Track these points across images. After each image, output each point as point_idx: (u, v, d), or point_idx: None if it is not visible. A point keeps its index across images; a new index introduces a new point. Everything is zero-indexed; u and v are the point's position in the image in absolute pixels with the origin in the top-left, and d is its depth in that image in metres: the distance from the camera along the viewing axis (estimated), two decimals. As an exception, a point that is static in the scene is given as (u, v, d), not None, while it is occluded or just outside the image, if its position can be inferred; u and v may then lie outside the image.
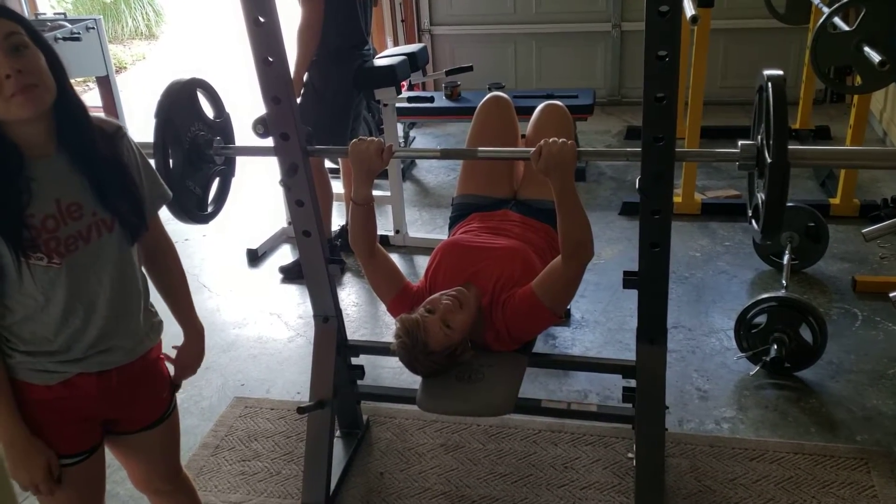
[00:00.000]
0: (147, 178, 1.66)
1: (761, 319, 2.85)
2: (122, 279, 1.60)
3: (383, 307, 2.32)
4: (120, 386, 1.64)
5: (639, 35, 5.56)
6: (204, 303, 3.63)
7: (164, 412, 1.79)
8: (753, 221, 2.09)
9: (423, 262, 3.85)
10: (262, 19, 1.98)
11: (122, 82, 7.20)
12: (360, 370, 2.56)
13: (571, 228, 2.01)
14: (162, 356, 1.80)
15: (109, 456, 1.76)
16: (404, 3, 5.95)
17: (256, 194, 4.68)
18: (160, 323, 1.77)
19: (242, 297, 3.70)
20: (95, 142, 1.54)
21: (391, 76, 3.72)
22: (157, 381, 1.77)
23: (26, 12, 6.28)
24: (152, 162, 1.80)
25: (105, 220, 1.54)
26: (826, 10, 3.45)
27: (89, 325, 1.56)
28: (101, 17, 5.85)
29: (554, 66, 6.01)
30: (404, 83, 4.10)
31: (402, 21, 5.98)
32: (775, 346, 2.78)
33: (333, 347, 2.40)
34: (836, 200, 3.92)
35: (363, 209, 2.17)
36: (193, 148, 2.18)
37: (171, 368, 1.84)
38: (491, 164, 2.59)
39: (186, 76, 2.19)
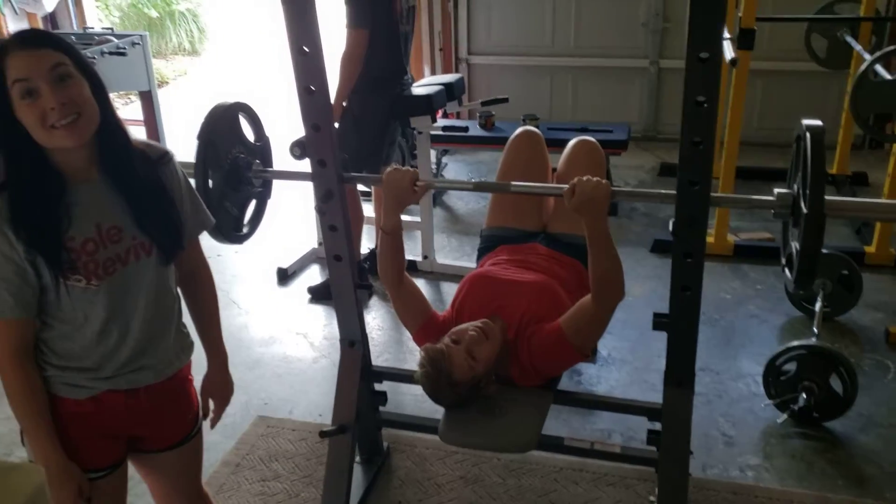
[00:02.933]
0: (190, 204, 1.70)
1: (791, 367, 2.82)
2: (157, 301, 1.63)
3: (407, 333, 2.33)
4: (148, 404, 1.67)
5: (676, 73, 5.64)
6: (233, 319, 3.67)
7: (189, 433, 1.80)
8: (787, 270, 2.07)
9: (449, 288, 3.87)
10: (306, 49, 2.02)
11: (163, 96, 7.32)
12: (382, 396, 2.57)
13: (602, 269, 2.01)
14: (190, 377, 1.82)
15: (131, 469, 1.78)
16: (443, 33, 6.01)
17: (289, 214, 4.73)
18: (191, 344, 1.80)
19: (270, 316, 3.73)
20: (136, 167, 1.57)
21: (427, 105, 3.76)
22: (185, 401, 1.79)
23: (75, 26, 6.45)
24: (192, 182, 1.85)
25: (143, 243, 1.58)
26: (868, 57, 3.45)
27: (122, 346, 1.59)
28: (147, 33, 5.97)
29: (589, 99, 6.03)
30: (440, 111, 4.14)
31: (440, 50, 6.04)
32: (804, 395, 2.74)
33: (358, 373, 2.41)
34: (871, 249, 3.88)
35: (392, 238, 2.19)
36: (233, 170, 2.22)
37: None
38: (521, 196, 2.60)
39: (230, 100, 2.23)
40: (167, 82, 8.64)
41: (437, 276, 4.02)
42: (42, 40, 1.43)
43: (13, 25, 6.18)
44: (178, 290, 1.75)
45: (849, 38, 4.30)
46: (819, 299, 3.19)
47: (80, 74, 1.46)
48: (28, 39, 1.44)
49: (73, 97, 1.43)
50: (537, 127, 4.57)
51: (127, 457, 1.73)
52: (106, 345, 1.57)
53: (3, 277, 1.46)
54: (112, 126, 1.53)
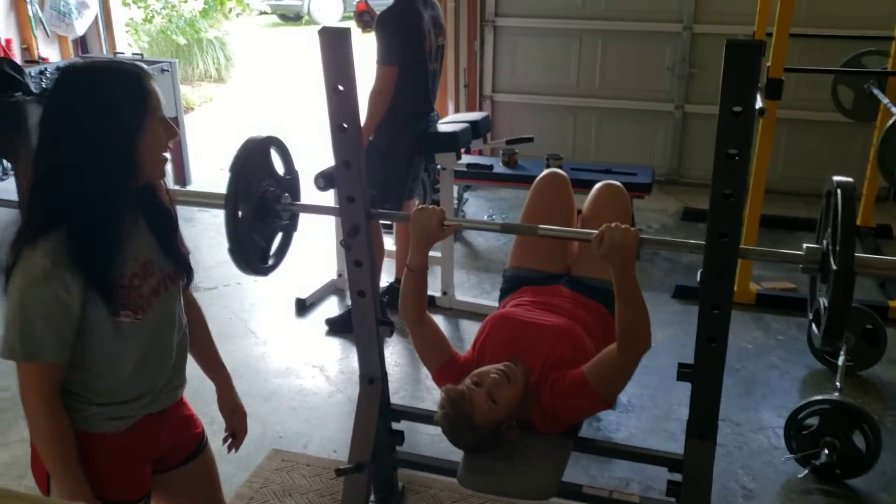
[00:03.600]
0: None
1: (813, 421, 2.78)
2: (181, 327, 1.71)
3: (425, 370, 2.32)
4: (172, 421, 1.74)
5: (701, 117, 5.66)
6: (250, 349, 3.67)
7: (201, 442, 1.86)
8: (814, 325, 2.05)
9: (468, 326, 3.86)
10: (341, 87, 2.04)
11: (188, 122, 7.42)
12: (399, 436, 2.55)
13: (629, 318, 2.00)
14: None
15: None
16: (468, 70, 6.06)
17: (309, 244, 4.74)
18: None
19: (288, 347, 3.73)
20: (160, 197, 1.62)
21: (453, 142, 3.78)
22: (188, 411, 1.84)
23: (105, 51, 6.56)
24: (222, 212, 1.94)
25: (169, 273, 1.63)
26: (895, 110, 3.45)
27: (162, 371, 1.65)
28: (176, 60, 6.06)
29: (613, 140, 6.04)
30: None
31: (465, 87, 6.08)
32: (826, 451, 2.70)
33: (376, 410, 2.40)
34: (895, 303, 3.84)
35: (417, 276, 2.19)
36: (262, 203, 2.22)
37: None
38: (546, 238, 2.59)
39: (262, 134, 2.25)
40: (193, 108, 8.75)
41: (457, 312, 4.01)
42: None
43: (45, 49, 6.30)
44: None
45: (876, 91, 4.30)
46: (842, 353, 3.15)
47: None
48: (153, 70, 1.50)
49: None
50: (560, 167, 4.59)
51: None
52: (147, 373, 1.61)
53: (51, 321, 1.44)
54: None
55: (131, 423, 1.61)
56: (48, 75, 5.04)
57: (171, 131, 1.49)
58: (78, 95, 1.42)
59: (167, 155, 1.50)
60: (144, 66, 1.51)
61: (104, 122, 1.41)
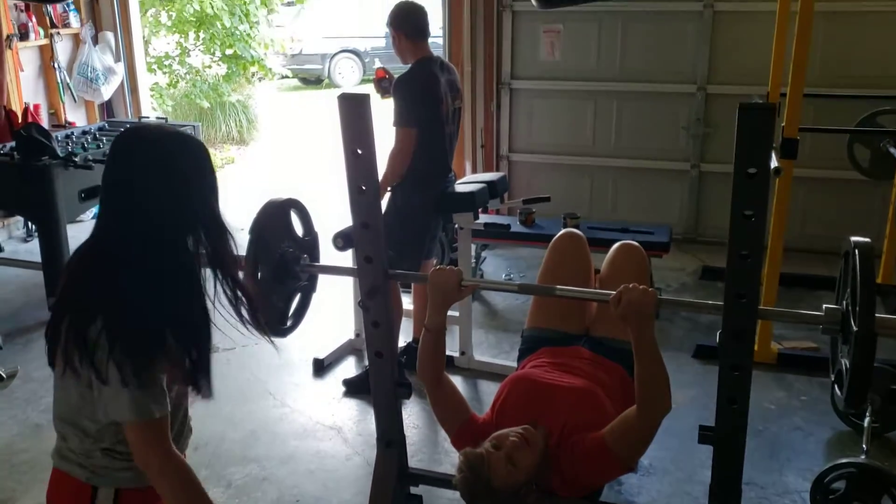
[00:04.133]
0: None
1: (840, 485, 2.72)
2: None
3: (443, 432, 2.30)
4: None
5: (718, 176, 5.68)
6: (268, 411, 3.66)
7: None
8: (837, 387, 2.03)
9: (486, 387, 3.83)
10: (360, 151, 2.08)
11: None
12: (417, 500, 2.52)
13: (648, 380, 1.99)
14: None
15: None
16: (485, 131, 6.14)
17: (327, 304, 4.75)
18: None
19: (305, 408, 3.71)
20: None
21: (471, 202, 3.82)
22: None
23: (130, 115, 6.72)
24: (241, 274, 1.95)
25: None
26: (913, 170, 3.45)
27: (186, 415, 1.78)
28: (199, 123, 6.19)
29: (630, 200, 6.06)
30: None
31: (482, 147, 6.16)
32: (854, 516, 2.64)
33: (394, 475, 2.38)
34: (919, 362, 3.77)
35: (435, 337, 2.20)
36: (281, 264, 2.26)
37: None
38: (564, 299, 2.59)
39: (282, 196, 2.29)
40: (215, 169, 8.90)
41: (475, 373, 3.99)
42: None
43: (72, 113, 6.47)
44: None
45: (892, 150, 4.30)
46: (867, 414, 3.10)
47: None
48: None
49: None
50: (577, 226, 4.61)
51: None
52: (178, 418, 1.71)
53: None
54: None
55: None
56: (74, 139, 5.16)
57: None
58: None
59: None
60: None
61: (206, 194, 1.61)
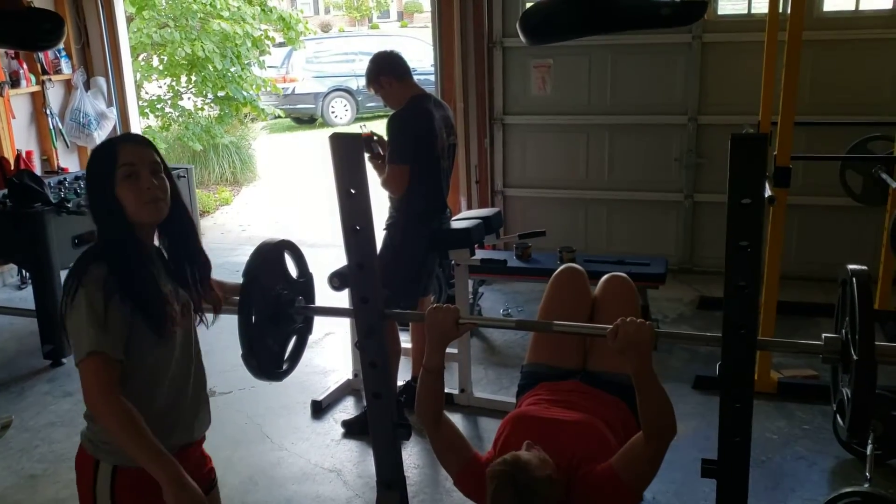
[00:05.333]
0: None
1: (846, 515, 2.69)
2: (199, 357, 1.99)
3: (444, 471, 2.26)
4: (192, 459, 1.93)
5: (711, 206, 5.70)
6: (266, 455, 3.62)
7: (209, 484, 2.03)
8: (838, 416, 2.01)
9: (487, 424, 3.79)
10: (353, 191, 2.08)
11: (204, 224, 7.55)
12: (420, 541, 2.48)
13: (651, 410, 1.97)
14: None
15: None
16: (479, 166, 6.16)
17: (324, 345, 4.73)
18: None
19: (304, 451, 3.67)
20: (196, 252, 1.98)
21: (466, 238, 3.81)
22: (203, 454, 2.06)
23: (126, 158, 6.73)
24: (234, 317, 2.15)
25: (186, 305, 1.93)
26: (905, 195, 3.46)
27: (183, 400, 1.89)
28: (193, 166, 6.20)
29: (624, 231, 6.08)
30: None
31: (476, 182, 6.18)
32: (862, 547, 2.60)
33: (395, 517, 2.34)
34: (921, 388, 3.75)
35: (433, 376, 2.18)
36: (276, 307, 2.24)
37: None
38: (563, 334, 2.58)
39: (276, 238, 2.29)
40: (209, 211, 8.89)
41: (475, 410, 3.95)
42: (147, 142, 1.87)
43: (64, 159, 6.49)
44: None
45: (884, 175, 4.32)
46: (870, 442, 3.07)
47: (165, 175, 1.86)
48: (138, 138, 1.89)
49: (161, 186, 1.83)
50: (573, 259, 4.61)
51: None
52: (171, 398, 1.86)
53: (109, 326, 1.71)
54: (182, 216, 1.92)
55: None
56: (66, 185, 5.17)
57: (138, 184, 1.78)
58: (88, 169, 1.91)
59: (151, 200, 1.79)
60: (123, 137, 1.97)
61: (92, 182, 1.85)
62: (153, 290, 1.81)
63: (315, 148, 11.46)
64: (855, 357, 1.77)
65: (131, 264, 1.78)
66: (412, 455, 3.55)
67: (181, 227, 1.93)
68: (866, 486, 2.77)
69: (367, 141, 3.70)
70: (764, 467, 3.30)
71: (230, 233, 7.79)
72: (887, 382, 3.80)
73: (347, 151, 2.08)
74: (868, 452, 3.02)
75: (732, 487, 2.04)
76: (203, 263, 2.00)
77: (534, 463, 1.96)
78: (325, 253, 4.80)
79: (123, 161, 1.78)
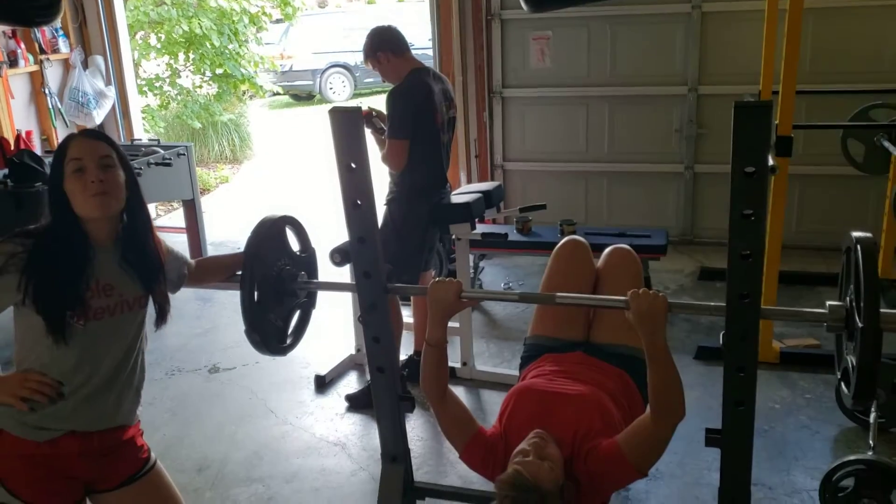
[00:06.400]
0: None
1: (848, 483, 2.70)
2: (128, 356, 1.95)
3: (448, 443, 2.27)
4: (99, 448, 1.93)
5: (712, 177, 5.68)
6: (270, 429, 3.64)
7: (140, 469, 2.02)
8: (843, 384, 2.01)
9: (489, 396, 3.81)
10: (353, 165, 2.07)
11: (205, 203, 7.51)
12: (425, 514, 2.50)
13: (662, 386, 1.97)
14: (141, 431, 2.09)
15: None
16: (479, 140, 6.14)
17: (327, 320, 4.73)
18: (140, 411, 2.08)
19: (308, 425, 3.68)
20: (147, 244, 1.95)
21: (467, 213, 3.80)
22: (134, 448, 2.04)
23: (122, 138, 6.71)
24: (238, 293, 2.13)
25: (129, 301, 1.92)
26: (908, 163, 3.44)
27: (90, 382, 1.87)
28: (192, 144, 6.16)
29: (625, 203, 6.06)
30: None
31: (476, 157, 6.15)
32: (865, 514, 2.62)
33: (400, 490, 2.36)
34: (924, 355, 3.76)
35: (436, 350, 2.18)
36: (278, 282, 2.24)
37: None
38: (567, 306, 2.57)
39: (277, 213, 2.28)
40: (210, 189, 8.87)
41: (477, 383, 3.97)
42: (98, 136, 1.92)
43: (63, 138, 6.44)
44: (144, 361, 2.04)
45: (886, 143, 4.30)
46: (874, 410, 3.08)
47: (119, 166, 1.89)
48: (89, 133, 1.96)
49: (109, 180, 1.84)
50: (574, 232, 4.60)
51: (84, 499, 1.96)
52: (77, 378, 1.84)
53: None
54: (135, 210, 1.93)
55: (50, 437, 1.84)
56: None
57: (83, 178, 1.81)
58: None
59: (96, 195, 1.81)
60: (77, 133, 1.95)
61: (49, 175, 1.90)
62: (58, 291, 1.81)
63: (314, 124, 11.41)
64: (860, 324, 1.76)
65: (51, 258, 1.81)
66: (416, 428, 3.56)
67: (132, 221, 1.94)
68: (870, 454, 2.78)
69: (368, 117, 3.67)
70: (767, 436, 3.31)
71: (231, 211, 7.77)
72: (890, 351, 3.82)
73: (347, 125, 2.07)
74: (871, 420, 3.02)
75: (737, 456, 2.05)
76: (152, 259, 1.98)
77: (542, 476, 1.92)
78: (327, 229, 4.79)
79: (72, 156, 1.83)
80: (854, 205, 5.33)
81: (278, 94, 14.80)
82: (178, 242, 4.95)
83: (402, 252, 3.60)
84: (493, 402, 3.66)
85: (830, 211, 5.47)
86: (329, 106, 2.29)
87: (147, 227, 1.97)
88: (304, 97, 15.22)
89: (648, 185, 5.98)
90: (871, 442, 2.90)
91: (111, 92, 6.64)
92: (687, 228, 5.96)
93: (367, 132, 3.62)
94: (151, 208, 7.58)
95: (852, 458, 2.72)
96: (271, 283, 2.22)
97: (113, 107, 6.70)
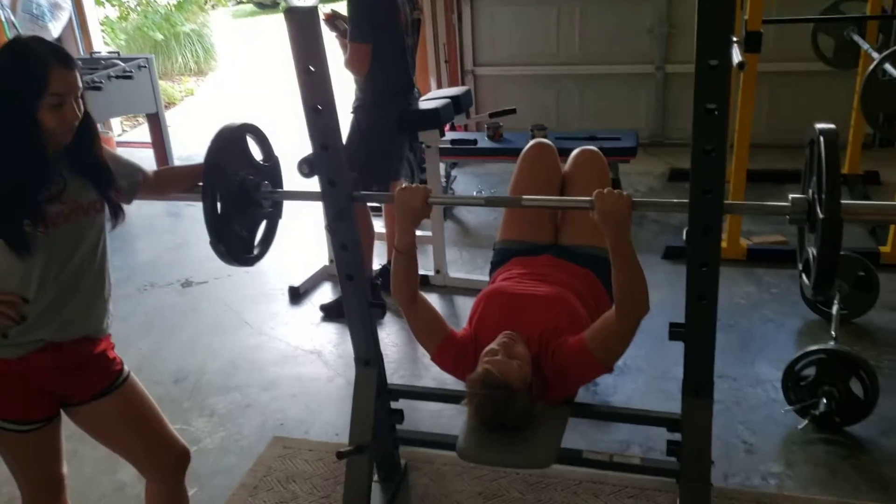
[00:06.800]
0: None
1: (810, 371, 2.79)
2: (92, 256, 1.91)
3: (422, 349, 2.31)
4: (73, 361, 1.91)
5: (682, 77, 5.63)
6: (245, 340, 3.67)
7: (113, 382, 2.00)
8: (804, 276, 2.04)
9: (462, 302, 3.85)
10: (312, 68, 2.01)
11: (170, 117, 7.37)
12: (399, 414, 2.55)
13: (627, 283, 1.99)
14: (112, 344, 2.05)
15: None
16: (448, 45, 6.01)
17: (299, 232, 4.72)
18: (110, 323, 2.04)
19: (283, 335, 3.72)
20: (95, 153, 1.90)
21: (435, 119, 3.76)
22: (106, 361, 2.00)
23: (81, 51, 6.49)
24: (200, 204, 2.10)
25: (83, 205, 1.86)
26: (876, 56, 3.42)
27: (57, 281, 1.83)
28: (153, 56, 6.00)
29: (596, 107, 6.02)
30: (447, 125, 4.13)
31: (446, 62, 6.04)
32: (825, 400, 2.71)
33: (374, 392, 2.40)
34: (886, 248, 3.84)
35: (405, 257, 2.17)
36: (241, 192, 2.21)
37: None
38: (534, 210, 2.58)
39: (237, 122, 2.23)
40: (175, 103, 8.68)
41: (450, 290, 4.01)
42: (75, 63, 1.79)
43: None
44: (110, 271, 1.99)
45: (856, 37, 4.27)
46: (836, 302, 3.15)
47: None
48: (68, 60, 1.77)
49: (80, 111, 1.81)
50: (545, 137, 4.57)
51: (59, 413, 1.96)
52: (44, 288, 1.81)
53: None
54: (83, 118, 1.84)
55: (22, 353, 1.82)
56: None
57: (62, 114, 1.75)
58: None
59: (70, 126, 1.77)
60: (56, 57, 1.75)
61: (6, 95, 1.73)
62: (13, 202, 1.75)
63: (280, 32, 11.11)
64: (821, 215, 1.78)
65: (10, 170, 1.74)
66: (391, 334, 3.61)
67: (81, 129, 1.86)
68: (832, 344, 2.85)
69: (331, 20, 3.57)
70: (732, 331, 3.39)
71: (198, 124, 7.63)
72: (855, 244, 3.90)
73: (304, 27, 2.00)
74: (833, 312, 3.10)
75: (699, 348, 2.10)
76: (100, 164, 1.93)
77: (511, 374, 1.97)
78: (294, 140, 4.72)
79: (54, 90, 1.73)
80: (824, 101, 5.32)
81: (242, 2, 14.36)
82: (144, 158, 4.88)
83: (371, 161, 3.55)
84: (466, 307, 3.66)
85: (800, 108, 5.46)
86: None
87: (94, 134, 1.92)
88: (268, 4, 14.77)
89: (620, 87, 5.93)
90: (832, 332, 2.98)
91: (67, 3, 6.39)
92: (658, 130, 5.94)
93: (332, 36, 3.54)
94: (116, 123, 7.45)
95: (814, 348, 2.79)
96: (234, 194, 2.18)
97: (70, 19, 6.45)
